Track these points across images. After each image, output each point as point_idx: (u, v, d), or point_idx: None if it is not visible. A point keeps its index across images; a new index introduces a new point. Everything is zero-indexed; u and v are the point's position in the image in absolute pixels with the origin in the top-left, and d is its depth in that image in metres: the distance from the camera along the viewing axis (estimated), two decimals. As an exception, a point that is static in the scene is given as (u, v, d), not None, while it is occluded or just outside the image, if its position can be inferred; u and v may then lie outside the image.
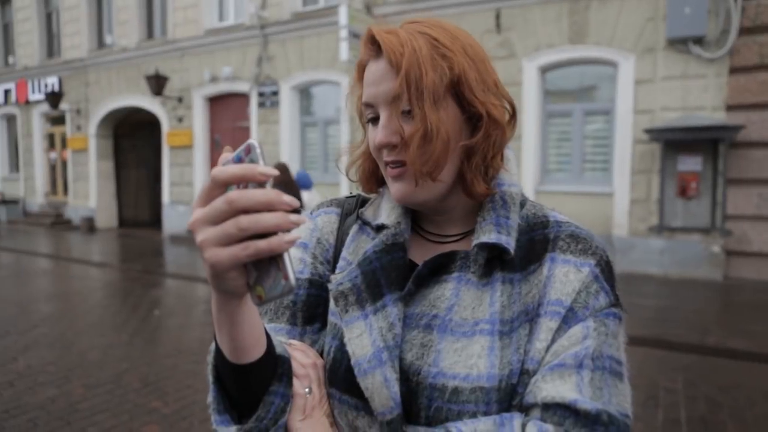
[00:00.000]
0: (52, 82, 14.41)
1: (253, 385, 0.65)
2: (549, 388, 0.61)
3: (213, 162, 12.14)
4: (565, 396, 0.60)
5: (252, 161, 0.51)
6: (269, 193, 0.48)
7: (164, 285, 7.65)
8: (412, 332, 0.69)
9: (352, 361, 0.68)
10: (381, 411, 0.65)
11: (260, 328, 0.63)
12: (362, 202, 0.86)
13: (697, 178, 7.20)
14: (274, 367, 0.66)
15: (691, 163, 7.21)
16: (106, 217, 14.16)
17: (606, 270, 0.69)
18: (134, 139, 14.48)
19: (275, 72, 10.75)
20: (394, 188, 0.72)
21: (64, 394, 3.68)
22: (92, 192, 14.12)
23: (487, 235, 0.69)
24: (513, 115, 0.75)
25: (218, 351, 0.64)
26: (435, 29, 0.70)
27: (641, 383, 3.87)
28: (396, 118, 0.68)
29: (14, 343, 4.82)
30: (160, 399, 3.61)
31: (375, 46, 0.71)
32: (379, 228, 0.77)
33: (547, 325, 0.65)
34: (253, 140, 0.52)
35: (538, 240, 0.71)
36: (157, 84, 11.48)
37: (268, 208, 0.48)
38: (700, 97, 7.20)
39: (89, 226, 13.50)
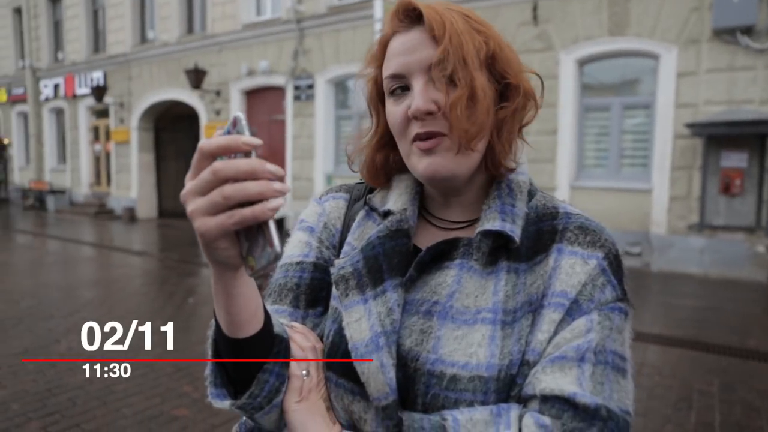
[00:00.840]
0: (97, 76, 14.93)
1: (240, 362, 0.66)
2: (549, 380, 0.61)
3: (249, 155, 12.35)
4: (564, 389, 0.59)
5: (238, 133, 0.52)
6: (252, 162, 0.49)
7: (199, 274, 7.84)
8: (412, 318, 0.69)
9: (350, 345, 0.67)
10: (376, 396, 0.65)
11: (257, 303, 0.64)
12: (371, 188, 0.85)
13: (741, 174, 6.92)
14: (271, 345, 0.66)
15: (735, 159, 6.92)
16: (147, 207, 14.60)
17: (614, 263, 0.67)
18: (174, 132, 14.87)
19: (311, 65, 10.84)
20: (425, 163, 0.69)
21: (101, 377, 3.83)
22: (134, 183, 14.59)
23: (491, 222, 0.69)
24: (540, 91, 0.74)
25: (217, 324, 0.65)
26: (464, 9, 0.71)
27: (674, 384, 3.76)
28: (438, 84, 0.66)
29: (57, 326, 5.04)
30: (191, 384, 3.72)
31: (407, 18, 0.70)
32: (386, 214, 0.77)
33: (550, 317, 0.64)
34: (239, 113, 0.53)
35: (546, 231, 0.70)
36: (196, 78, 11.74)
37: (252, 176, 0.49)
38: (747, 89, 6.90)
39: (130, 216, 13.96)
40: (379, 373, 0.65)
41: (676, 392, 3.62)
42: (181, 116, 14.14)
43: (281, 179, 0.50)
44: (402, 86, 0.70)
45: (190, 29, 13.26)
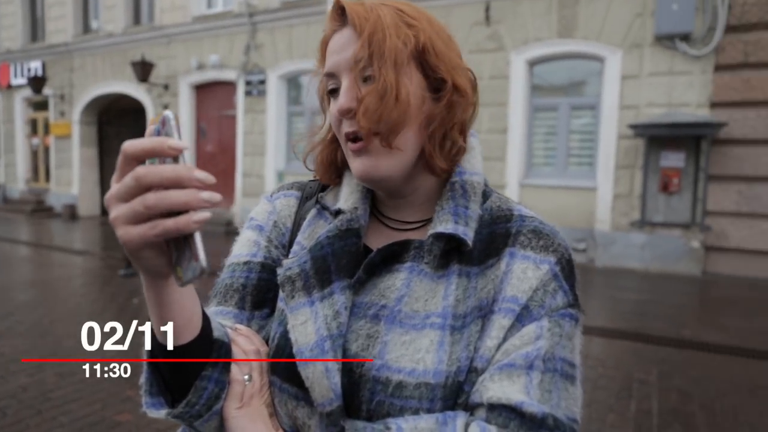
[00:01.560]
0: (35, 66, 14.17)
1: (185, 369, 0.63)
2: (496, 388, 0.59)
3: (198, 150, 12.02)
4: (511, 397, 0.58)
5: (167, 135, 0.48)
6: (178, 169, 0.46)
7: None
8: (359, 322, 0.67)
9: (294, 349, 0.65)
10: (321, 402, 0.63)
11: (192, 310, 0.61)
12: (324, 186, 0.83)
13: (679, 174, 7.26)
14: (209, 351, 0.64)
15: (673, 159, 7.26)
16: (89, 204, 13.99)
17: (567, 269, 0.66)
18: (119, 126, 14.30)
19: (263, 60, 10.65)
20: (356, 164, 0.69)
21: (37, 383, 3.63)
22: (75, 179, 13.94)
23: (443, 224, 0.67)
24: (474, 88, 0.72)
25: (151, 331, 0.62)
26: (400, 3, 0.70)
27: (617, 375, 3.91)
28: (357, 82, 0.66)
29: (-12, 329, 4.76)
30: (134, 388, 3.58)
31: (341, 18, 0.70)
32: (338, 213, 0.75)
33: (500, 323, 0.63)
34: (169, 111, 0.50)
35: (500, 234, 0.69)
36: (143, 70, 11.33)
37: (177, 184, 0.46)
38: (685, 93, 7.24)
39: (71, 213, 13.33)
40: (323, 378, 0.63)
41: (618, 383, 3.77)
42: (126, 110, 13.61)
43: (210, 187, 0.47)
44: (336, 86, 0.70)
45: (137, 20, 12.78)
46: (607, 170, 7.68)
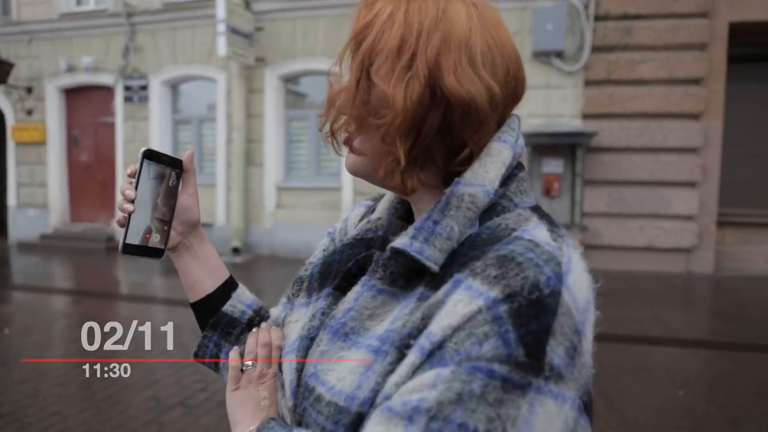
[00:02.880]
0: None
1: (198, 322, 0.88)
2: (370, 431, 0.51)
3: (70, 160, 10.95)
4: None
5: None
6: (123, 184, 0.76)
7: (12, 299, 6.74)
8: (322, 329, 0.67)
9: (284, 343, 0.74)
10: (286, 396, 0.69)
11: (195, 279, 0.86)
12: None
13: (559, 179, 7.94)
14: (210, 315, 0.86)
15: (554, 166, 7.93)
16: (-66, 223, 12.15)
17: (522, 312, 0.49)
18: (-30, 134, 12.59)
19: (144, 65, 9.97)
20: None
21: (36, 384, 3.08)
22: None
23: (401, 238, 0.61)
24: (494, 104, 0.60)
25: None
26: None
27: (591, 374, 4.16)
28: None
29: None
30: (135, 394, 3.17)
31: None
32: None
33: (409, 359, 0.53)
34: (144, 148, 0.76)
35: (475, 257, 0.56)
36: (1, 71, 10.08)
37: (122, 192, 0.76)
38: (560, 105, 7.95)
39: None
40: (288, 374, 0.69)
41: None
42: (-22, 115, 12.02)
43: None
44: None
45: (-11, 14, 11.36)
46: (496, 176, 8.17)
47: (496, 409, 0.47)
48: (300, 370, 0.67)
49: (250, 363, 0.75)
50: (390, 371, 0.55)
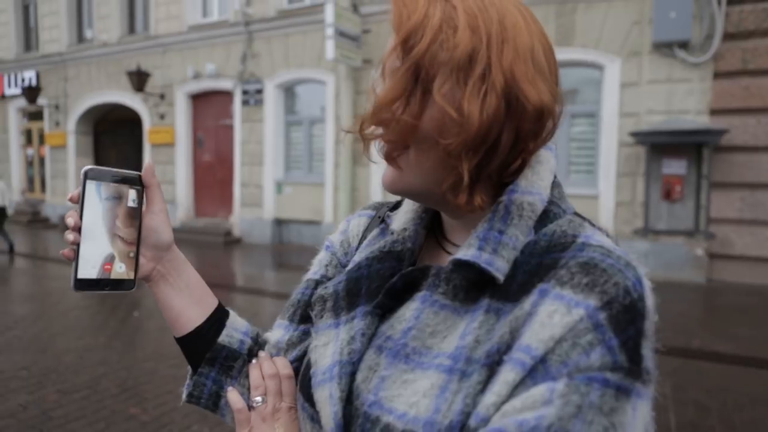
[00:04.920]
0: (29, 76, 14.06)
1: (188, 359, 0.76)
2: None
3: (195, 160, 11.94)
4: None
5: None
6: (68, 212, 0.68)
7: (145, 286, 7.45)
8: (370, 351, 0.62)
9: (312, 371, 0.65)
10: (327, 429, 0.60)
11: (178, 312, 0.74)
12: (398, 204, 0.78)
13: (681, 181, 7.25)
14: (204, 350, 0.75)
15: (675, 167, 7.25)
16: (85, 215, 13.84)
17: (620, 318, 0.49)
18: (115, 136, 14.22)
19: (260, 70, 10.61)
20: (383, 172, 0.63)
21: (37, 401, 3.53)
22: (71, 189, 13.72)
23: (465, 250, 0.58)
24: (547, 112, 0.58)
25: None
26: None
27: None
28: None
29: (-14, 346, 4.65)
30: (138, 405, 3.49)
31: None
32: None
33: (505, 376, 0.50)
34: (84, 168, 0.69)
35: (546, 265, 0.55)
36: (139, 80, 11.26)
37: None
38: (684, 100, 7.25)
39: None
40: (327, 404, 0.61)
41: (631, 395, 3.70)
42: (122, 120, 13.52)
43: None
44: None
45: (131, 29, 12.72)
46: (608, 178, 7.66)
47: (609, 418, 0.46)
48: (347, 399, 0.60)
49: (259, 399, 0.69)
50: (480, 391, 0.51)
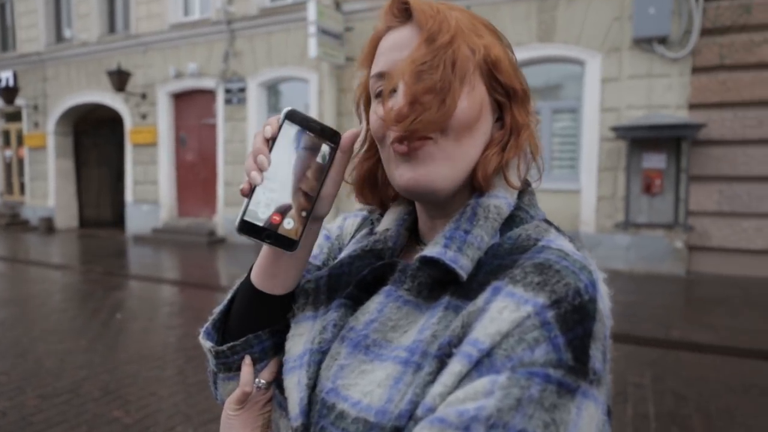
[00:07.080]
0: (6, 76, 13.79)
1: (252, 322, 0.69)
2: None
3: (178, 159, 11.83)
4: None
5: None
6: (258, 146, 0.63)
7: (127, 287, 7.40)
8: (336, 341, 0.63)
9: (284, 358, 0.66)
10: (292, 416, 0.61)
11: (282, 270, 0.68)
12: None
13: (661, 175, 7.35)
14: (278, 319, 0.69)
15: (655, 161, 7.35)
16: (66, 217, 13.66)
17: (568, 318, 0.50)
18: (96, 137, 14.02)
19: (242, 68, 10.54)
20: (401, 171, 0.62)
21: (17, 406, 3.49)
22: (51, 191, 13.60)
23: (431, 248, 0.60)
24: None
25: (250, 271, 0.70)
26: (470, 11, 0.68)
27: (612, 379, 3.90)
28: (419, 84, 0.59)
29: (-36, 351, 4.57)
30: (121, 408, 3.46)
31: (402, 14, 0.65)
32: None
33: (453, 368, 0.51)
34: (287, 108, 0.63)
35: (504, 266, 0.57)
36: (120, 80, 11.12)
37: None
38: (663, 95, 7.35)
39: (48, 226, 13.01)
40: (294, 391, 0.62)
41: (613, 386, 3.76)
42: (103, 120, 13.35)
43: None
44: (391, 88, 0.62)
45: (111, 28, 12.55)
46: (590, 172, 7.74)
47: (551, 414, 0.47)
48: (312, 386, 0.62)
49: (263, 382, 0.69)
50: (429, 382, 0.53)
